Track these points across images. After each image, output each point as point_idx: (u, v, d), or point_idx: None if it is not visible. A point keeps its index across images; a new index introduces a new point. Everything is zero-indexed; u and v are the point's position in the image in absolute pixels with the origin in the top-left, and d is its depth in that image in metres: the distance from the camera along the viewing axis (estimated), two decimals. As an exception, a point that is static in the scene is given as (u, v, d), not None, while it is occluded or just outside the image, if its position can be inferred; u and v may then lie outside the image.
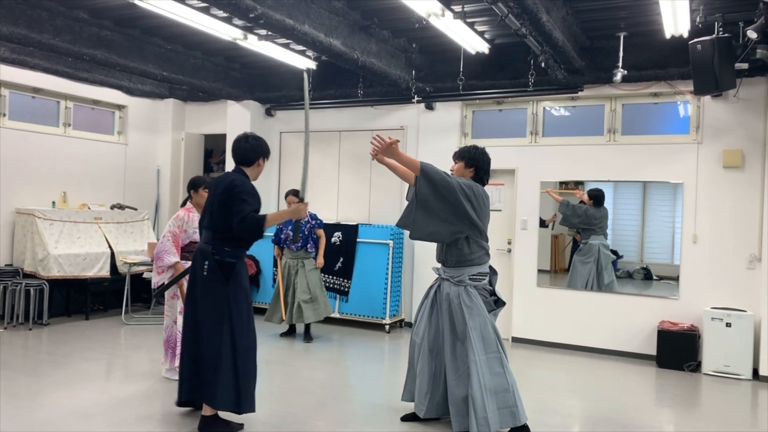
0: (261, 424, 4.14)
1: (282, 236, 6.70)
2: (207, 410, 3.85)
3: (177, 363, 4.67)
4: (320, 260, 6.73)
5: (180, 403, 4.12)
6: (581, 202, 7.16)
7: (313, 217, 6.77)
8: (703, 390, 5.52)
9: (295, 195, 6.32)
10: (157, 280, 4.93)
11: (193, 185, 5.04)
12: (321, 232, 6.80)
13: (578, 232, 7.35)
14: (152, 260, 5.57)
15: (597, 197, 7.03)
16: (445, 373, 4.01)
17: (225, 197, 3.76)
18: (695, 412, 4.99)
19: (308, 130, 3.92)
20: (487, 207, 4.02)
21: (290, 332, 6.98)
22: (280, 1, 4.87)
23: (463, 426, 3.86)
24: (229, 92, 8.07)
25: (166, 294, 5.00)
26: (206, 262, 3.79)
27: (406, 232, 7.72)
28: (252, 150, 3.96)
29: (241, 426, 3.97)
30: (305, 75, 4.09)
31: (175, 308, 4.99)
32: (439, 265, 4.18)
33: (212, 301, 3.79)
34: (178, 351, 4.51)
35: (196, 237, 4.80)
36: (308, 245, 6.69)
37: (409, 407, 4.32)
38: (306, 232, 6.64)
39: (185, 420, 4.10)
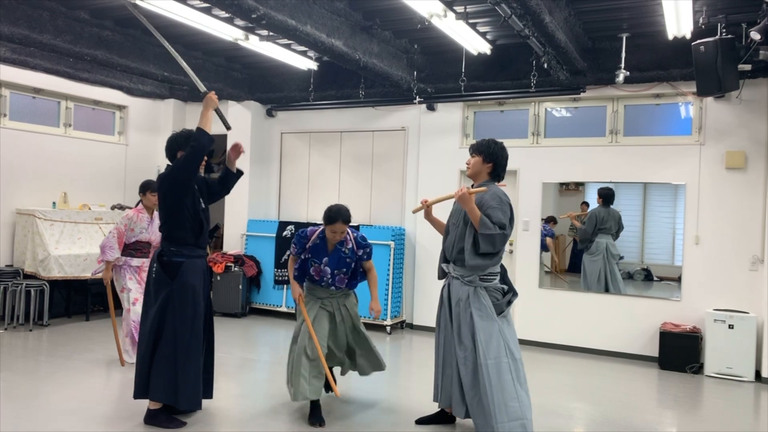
0: (262, 424, 4.12)
1: (312, 272, 4.29)
2: (152, 404, 4.00)
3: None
4: (377, 305, 4.38)
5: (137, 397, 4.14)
6: (580, 217, 7.21)
7: (361, 242, 4.34)
8: (706, 392, 5.50)
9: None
10: (96, 269, 5.57)
11: (142, 188, 5.51)
12: (371, 264, 4.44)
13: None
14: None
15: (606, 196, 7.02)
16: (459, 373, 3.92)
17: (159, 196, 4.02)
18: (697, 414, 4.97)
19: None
20: (513, 214, 3.95)
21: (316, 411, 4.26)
22: (282, 2, 4.85)
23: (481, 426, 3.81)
24: (230, 93, 8.06)
25: (116, 288, 5.54)
26: (155, 265, 4.00)
27: (408, 233, 7.76)
28: (167, 150, 4.14)
29: (183, 424, 4.01)
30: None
31: (125, 301, 5.49)
32: (447, 264, 4.06)
33: (159, 300, 3.94)
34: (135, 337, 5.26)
35: (143, 237, 5.49)
36: (356, 282, 4.45)
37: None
38: (352, 264, 4.31)
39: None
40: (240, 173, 4.32)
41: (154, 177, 9.02)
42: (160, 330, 3.92)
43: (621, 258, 7.11)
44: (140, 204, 5.55)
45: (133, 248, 5.48)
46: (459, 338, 3.88)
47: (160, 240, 4.07)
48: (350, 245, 4.26)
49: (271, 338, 7.22)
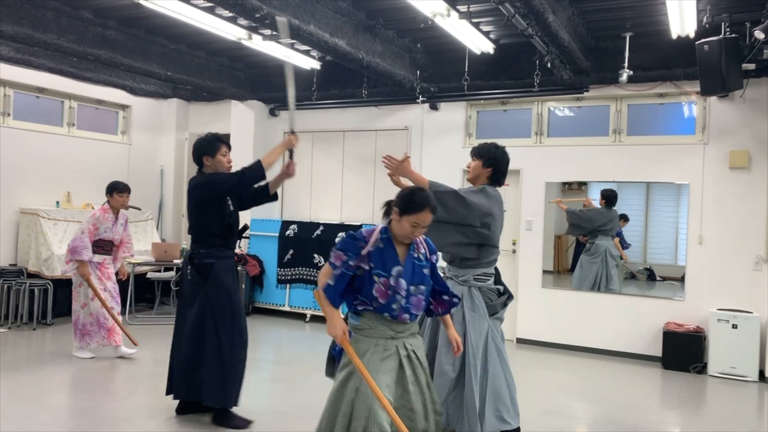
0: (265, 424, 4.12)
1: (375, 293, 2.81)
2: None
3: (83, 342, 5.61)
4: (456, 334, 3.29)
5: (176, 399, 4.21)
6: (583, 206, 7.18)
7: (432, 246, 3.10)
8: (709, 392, 5.50)
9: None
10: (66, 269, 5.67)
11: (110, 190, 5.70)
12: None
13: (584, 234, 7.33)
14: (120, 256, 5.98)
15: (609, 197, 7.01)
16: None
17: (191, 200, 4.02)
18: (701, 414, 4.97)
19: (291, 76, 4.03)
20: (501, 213, 3.86)
21: None
22: (285, 1, 4.86)
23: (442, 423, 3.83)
24: (233, 92, 8.06)
25: (74, 282, 5.65)
26: (188, 267, 4.04)
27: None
28: (193, 154, 4.13)
29: (250, 422, 4.04)
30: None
31: (81, 295, 5.63)
32: (443, 264, 4.11)
33: (195, 302, 3.98)
34: (88, 331, 5.60)
35: (106, 236, 5.67)
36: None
37: None
38: (429, 277, 2.97)
39: (189, 419, 4.09)
40: (275, 198, 4.32)
41: (157, 176, 9.09)
42: (202, 332, 3.95)
43: (621, 259, 7.11)
44: (106, 204, 5.71)
45: (95, 245, 5.62)
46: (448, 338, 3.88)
47: (191, 242, 4.11)
48: (422, 249, 2.99)
49: (274, 338, 7.23)
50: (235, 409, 4.08)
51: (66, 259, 5.67)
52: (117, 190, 5.69)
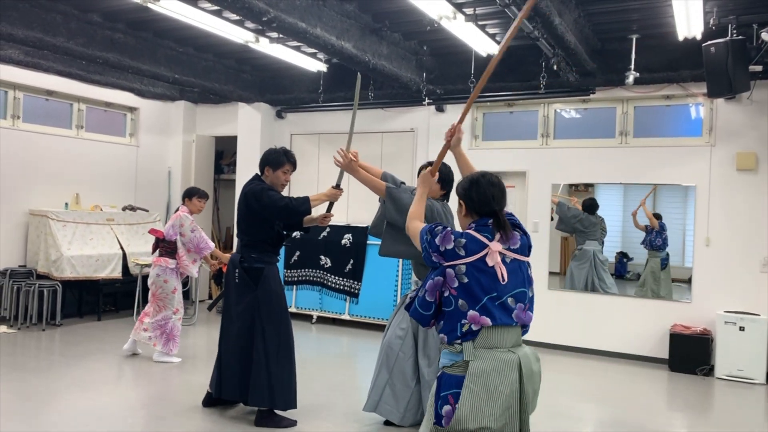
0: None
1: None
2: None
3: (167, 348, 5.59)
4: None
5: (209, 401, 4.34)
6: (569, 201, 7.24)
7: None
8: (716, 394, 5.48)
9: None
10: (193, 269, 5.75)
11: (189, 194, 5.82)
12: None
13: (568, 231, 7.38)
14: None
15: (589, 206, 7.12)
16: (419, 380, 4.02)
17: (244, 206, 4.08)
18: (708, 417, 4.96)
19: (352, 131, 4.26)
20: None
21: None
22: (292, 5, 4.89)
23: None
24: (240, 94, 8.10)
25: (165, 288, 5.66)
26: (236, 271, 4.09)
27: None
28: (260, 161, 4.25)
29: (294, 422, 4.10)
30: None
31: (174, 301, 5.68)
32: (416, 279, 4.18)
33: (244, 306, 4.05)
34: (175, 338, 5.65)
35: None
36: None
37: None
38: None
39: (196, 421, 4.12)
40: (307, 231, 4.54)
41: (164, 178, 9.14)
42: (250, 336, 4.02)
43: (630, 259, 7.10)
44: (184, 207, 5.77)
45: (173, 248, 5.71)
46: (424, 351, 3.96)
47: (239, 246, 4.17)
48: None
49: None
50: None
51: (185, 265, 5.69)
52: (198, 195, 5.78)
